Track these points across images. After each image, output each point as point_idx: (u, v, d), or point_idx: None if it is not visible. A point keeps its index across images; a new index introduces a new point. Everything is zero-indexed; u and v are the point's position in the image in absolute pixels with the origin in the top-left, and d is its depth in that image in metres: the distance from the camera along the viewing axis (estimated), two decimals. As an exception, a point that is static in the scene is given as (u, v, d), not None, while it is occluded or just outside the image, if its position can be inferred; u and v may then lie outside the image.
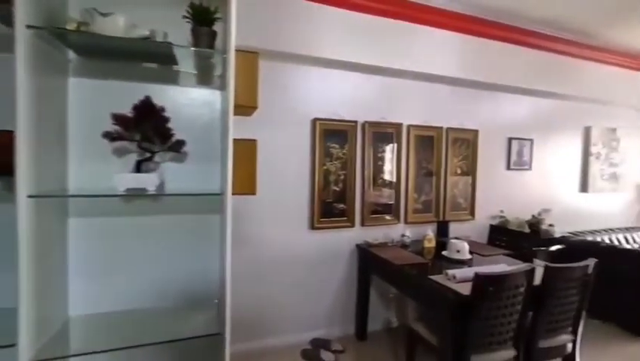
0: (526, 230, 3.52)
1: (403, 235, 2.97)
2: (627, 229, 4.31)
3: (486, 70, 3.24)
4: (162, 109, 1.51)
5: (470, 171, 3.49)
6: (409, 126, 3.15)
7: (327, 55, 2.59)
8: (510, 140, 3.75)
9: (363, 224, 2.99)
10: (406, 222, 3.17)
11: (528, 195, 3.89)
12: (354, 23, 2.67)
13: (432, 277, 2.14)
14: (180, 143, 1.55)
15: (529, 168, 3.90)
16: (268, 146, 2.61)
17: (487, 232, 3.59)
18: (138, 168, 1.47)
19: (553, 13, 3.13)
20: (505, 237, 3.39)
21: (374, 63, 2.75)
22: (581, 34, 3.59)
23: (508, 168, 3.78)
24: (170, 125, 1.53)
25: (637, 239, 4.17)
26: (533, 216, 3.69)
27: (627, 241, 4.09)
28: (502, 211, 3.64)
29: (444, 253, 2.64)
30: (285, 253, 2.75)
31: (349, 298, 2.98)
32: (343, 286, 2.97)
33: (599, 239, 3.90)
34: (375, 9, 2.72)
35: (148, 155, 1.51)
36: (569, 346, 2.16)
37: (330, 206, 2.85)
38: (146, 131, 1.47)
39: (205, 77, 1.71)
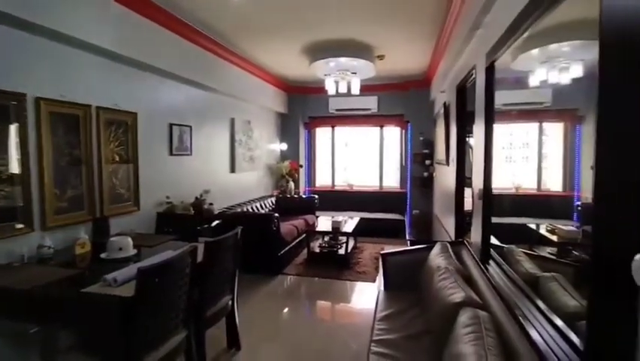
0: (191, 212, 3.78)
1: (41, 247, 2.25)
2: (261, 198, 5.74)
3: (145, 50, 3.10)
4: None
5: (131, 158, 3.25)
6: (39, 99, 2.38)
7: None
8: (171, 125, 3.84)
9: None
10: (44, 228, 2.43)
11: (191, 179, 4.18)
12: None
13: (87, 289, 1.77)
14: None
15: (190, 153, 4.19)
16: None
17: (154, 221, 3.55)
18: None
19: (204, 14, 3.44)
20: (172, 222, 3.47)
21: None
22: (227, 41, 4.23)
23: (171, 153, 3.87)
24: None
25: (267, 204, 5.64)
26: (196, 198, 4.01)
27: (261, 207, 5.44)
28: (168, 197, 3.70)
29: (103, 255, 2.29)
30: None
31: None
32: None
33: (245, 209, 4.92)
34: None
35: None
36: (230, 304, 2.56)
37: None
38: None
39: None
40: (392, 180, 6.70)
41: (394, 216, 6.00)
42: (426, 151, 5.96)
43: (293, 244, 4.70)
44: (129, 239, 2.39)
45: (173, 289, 1.84)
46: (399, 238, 5.63)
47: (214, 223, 3.81)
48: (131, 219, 3.23)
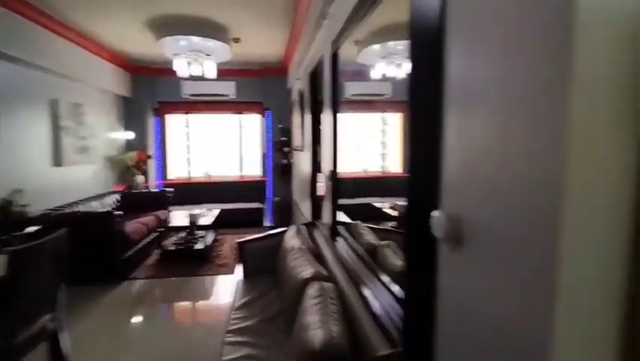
0: (-9, 217, 2.92)
1: None
2: (100, 195, 4.83)
3: None
4: None
5: None
6: None
7: None
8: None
9: None
10: None
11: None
12: None
13: None
14: None
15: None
16: None
17: None
18: None
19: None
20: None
21: None
22: (54, 11, 3.43)
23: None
24: None
25: (108, 202, 4.79)
26: (3, 199, 3.12)
27: (101, 206, 4.58)
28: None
29: None
30: None
31: None
32: None
33: (78, 209, 4.05)
34: None
35: None
36: (51, 325, 2.07)
37: None
38: None
39: None
40: (255, 169, 6.67)
41: (256, 205, 6.01)
42: (285, 139, 6.14)
43: (142, 244, 4.15)
44: None
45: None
46: (260, 227, 5.67)
47: (31, 229, 3.02)
48: None
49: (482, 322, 0.71)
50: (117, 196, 5.08)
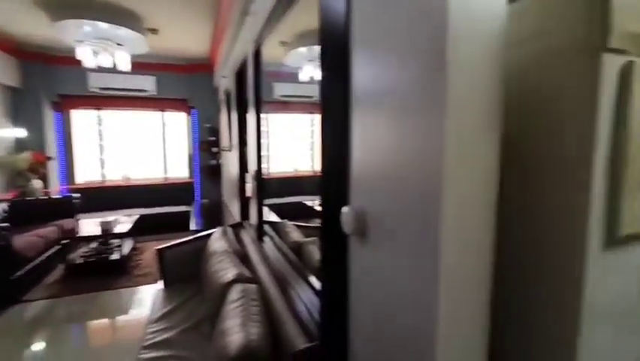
0: None
1: None
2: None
3: None
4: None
5: None
6: None
7: None
8: None
9: None
10: None
11: None
12: None
13: None
14: None
15: None
16: None
17: None
18: None
19: None
20: None
21: None
22: None
23: None
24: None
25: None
26: None
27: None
28: None
29: None
30: None
31: None
32: None
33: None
34: None
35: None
36: None
37: None
38: None
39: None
40: (181, 170, 6.25)
41: (182, 208, 5.64)
42: (213, 138, 5.87)
43: (40, 259, 3.60)
44: None
45: None
46: (187, 230, 5.33)
47: None
48: None
49: (383, 307, 0.75)
50: (4, 205, 4.32)
